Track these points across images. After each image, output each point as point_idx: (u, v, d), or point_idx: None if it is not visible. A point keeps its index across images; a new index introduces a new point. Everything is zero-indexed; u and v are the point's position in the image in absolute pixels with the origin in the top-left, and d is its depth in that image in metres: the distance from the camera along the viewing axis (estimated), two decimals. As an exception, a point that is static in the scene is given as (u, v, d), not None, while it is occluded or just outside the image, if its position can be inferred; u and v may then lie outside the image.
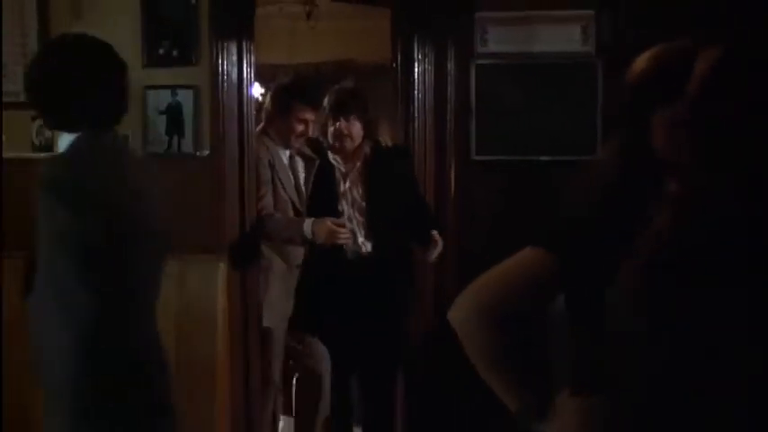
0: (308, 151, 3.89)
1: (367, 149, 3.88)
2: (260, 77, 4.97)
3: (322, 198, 3.74)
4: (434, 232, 3.71)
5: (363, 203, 3.78)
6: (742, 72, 1.25)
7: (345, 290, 3.76)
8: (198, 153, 3.46)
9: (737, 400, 1.24)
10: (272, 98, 3.79)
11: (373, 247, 3.77)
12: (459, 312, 1.50)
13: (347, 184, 3.82)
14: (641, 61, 1.54)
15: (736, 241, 1.19)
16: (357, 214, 3.80)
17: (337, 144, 3.77)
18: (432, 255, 3.72)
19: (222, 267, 3.36)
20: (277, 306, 3.66)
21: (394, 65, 4.24)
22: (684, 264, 1.21)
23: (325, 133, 3.82)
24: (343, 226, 3.60)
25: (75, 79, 2.15)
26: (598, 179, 1.44)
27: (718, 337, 1.18)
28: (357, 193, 3.81)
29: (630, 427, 1.36)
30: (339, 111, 3.74)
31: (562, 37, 4.12)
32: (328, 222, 3.55)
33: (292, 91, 3.80)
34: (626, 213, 1.29)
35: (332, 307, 3.79)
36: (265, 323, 3.60)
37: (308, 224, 3.56)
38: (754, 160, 1.23)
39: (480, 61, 4.13)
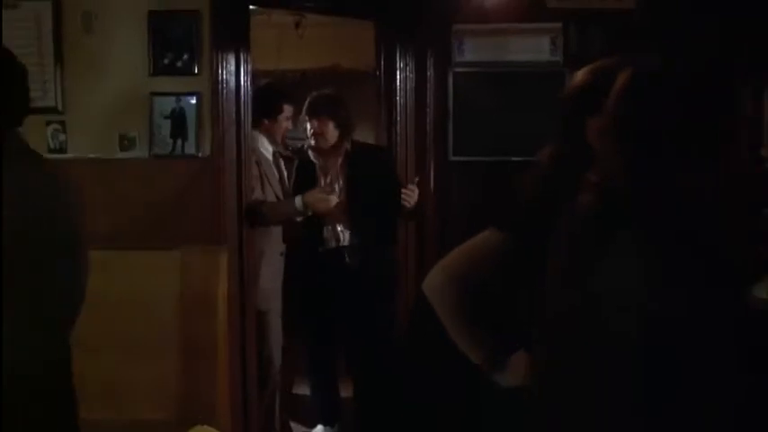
0: (288, 151, 4.29)
1: (347, 147, 4.16)
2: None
3: (303, 191, 4.02)
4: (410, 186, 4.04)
5: (342, 195, 4.09)
6: (646, 91, 1.59)
7: (325, 277, 4.13)
8: (200, 154, 3.69)
9: (655, 341, 1.56)
10: (259, 100, 4.11)
11: (351, 236, 4.10)
12: (432, 282, 1.84)
13: (328, 179, 4.10)
14: (578, 75, 1.89)
15: (638, 218, 1.52)
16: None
17: (313, 142, 4.12)
18: (410, 200, 4.01)
19: (222, 256, 3.62)
20: (269, 290, 3.99)
21: (377, 72, 4.52)
22: (596, 232, 1.55)
23: (305, 132, 4.18)
24: (330, 192, 3.96)
25: None
26: (540, 172, 1.79)
27: (627, 294, 1.52)
28: (338, 186, 4.10)
29: (564, 375, 1.69)
30: (312, 112, 4.09)
31: (532, 47, 4.43)
32: (316, 192, 3.93)
33: (281, 93, 4.19)
34: (558, 198, 1.63)
35: (312, 293, 4.18)
36: (260, 307, 3.92)
37: (298, 199, 3.93)
38: (660, 163, 1.57)
39: (457, 69, 4.45)
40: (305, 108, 4.14)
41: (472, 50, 4.45)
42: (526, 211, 1.75)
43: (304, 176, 4.19)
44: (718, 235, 1.52)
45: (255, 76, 4.05)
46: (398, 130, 4.40)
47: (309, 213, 3.95)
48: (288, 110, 4.20)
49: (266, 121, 4.13)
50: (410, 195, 4.01)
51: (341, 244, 4.13)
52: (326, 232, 4.13)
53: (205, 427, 3.28)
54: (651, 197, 1.51)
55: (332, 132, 4.11)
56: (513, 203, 1.80)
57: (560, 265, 1.61)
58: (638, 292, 1.48)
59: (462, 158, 4.44)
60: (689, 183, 1.52)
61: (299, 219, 4.02)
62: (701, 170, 1.54)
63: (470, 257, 1.80)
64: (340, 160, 4.17)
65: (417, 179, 4.12)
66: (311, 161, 4.20)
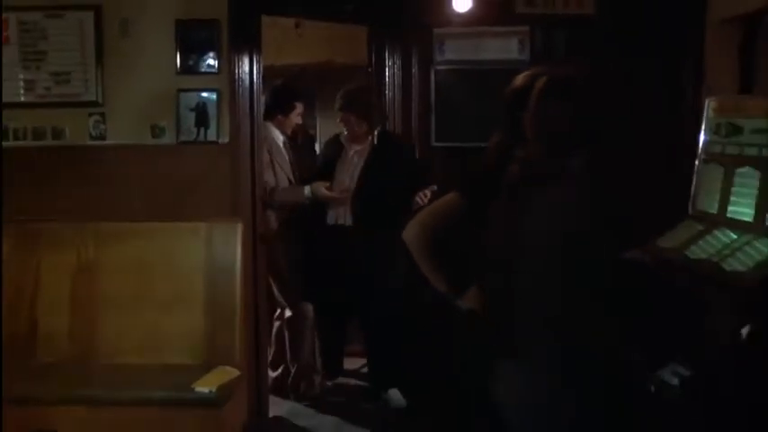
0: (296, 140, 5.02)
1: (375, 134, 4.73)
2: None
3: (330, 167, 4.74)
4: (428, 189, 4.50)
5: (355, 182, 4.66)
6: (552, 94, 2.24)
7: (329, 251, 4.72)
8: (219, 141, 4.25)
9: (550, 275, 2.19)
10: (275, 97, 4.77)
11: (354, 219, 4.66)
12: (408, 232, 2.50)
13: (355, 159, 4.72)
14: (517, 79, 2.53)
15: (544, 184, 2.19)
16: (353, 182, 4.67)
17: (345, 130, 4.76)
18: (422, 201, 4.42)
19: (239, 228, 4.18)
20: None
21: (369, 69, 5.14)
22: (519, 194, 2.22)
23: None
24: (335, 191, 4.62)
25: None
26: (488, 151, 2.45)
27: (538, 236, 2.18)
28: (359, 168, 4.69)
29: (498, 301, 2.34)
30: (339, 107, 4.71)
31: (503, 48, 4.98)
32: (323, 187, 4.59)
33: (294, 92, 4.86)
34: (500, 172, 2.30)
35: (317, 264, 4.76)
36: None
37: (307, 189, 4.63)
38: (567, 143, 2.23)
39: (438, 67, 5.01)
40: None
41: (451, 51, 5.01)
42: (477, 181, 2.42)
43: (333, 154, 4.83)
44: (588, 198, 2.18)
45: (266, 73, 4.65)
46: (388, 120, 4.98)
47: (316, 199, 4.64)
48: (299, 107, 4.90)
49: (280, 116, 4.82)
50: (423, 198, 4.45)
51: (344, 224, 4.70)
52: (330, 213, 4.72)
53: (226, 367, 3.90)
54: (551, 171, 2.17)
55: (356, 122, 4.68)
56: (468, 175, 2.48)
57: (496, 219, 2.28)
58: (544, 234, 2.15)
59: (443, 144, 4.99)
60: (572, 162, 2.19)
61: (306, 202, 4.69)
62: (579, 156, 2.21)
63: (437, 214, 2.48)
64: (367, 146, 4.73)
65: (435, 187, 4.49)
66: (341, 142, 4.82)
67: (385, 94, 5.02)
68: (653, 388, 2.23)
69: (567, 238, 2.11)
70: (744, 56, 4.51)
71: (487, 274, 2.35)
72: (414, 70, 5.01)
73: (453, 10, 4.78)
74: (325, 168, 4.85)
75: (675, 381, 2.17)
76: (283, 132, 4.87)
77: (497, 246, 2.28)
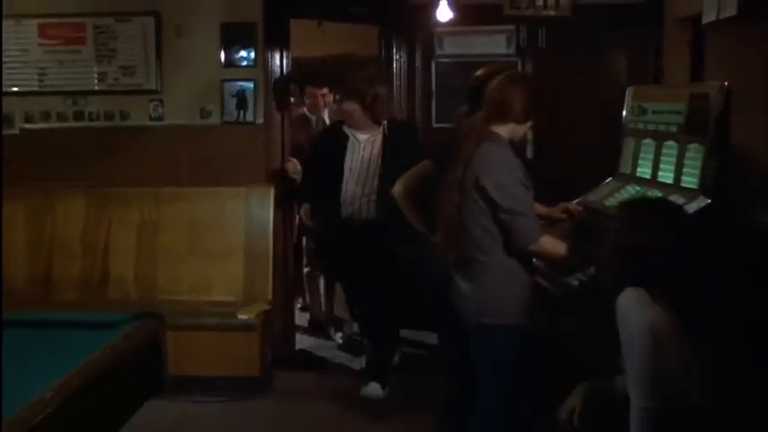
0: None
1: (385, 124, 4.71)
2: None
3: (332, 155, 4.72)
4: None
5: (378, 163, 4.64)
6: (498, 86, 3.14)
7: (345, 233, 4.75)
8: (255, 121, 5.09)
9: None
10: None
11: (378, 207, 4.57)
12: (395, 189, 3.46)
13: (367, 148, 4.65)
14: (480, 71, 3.44)
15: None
16: (370, 173, 4.64)
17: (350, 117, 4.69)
18: None
19: (271, 192, 5.06)
20: None
21: (379, 60, 5.91)
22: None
23: None
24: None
25: None
26: (454, 126, 3.37)
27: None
28: (374, 158, 4.64)
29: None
30: (343, 95, 4.81)
31: (493, 43, 5.84)
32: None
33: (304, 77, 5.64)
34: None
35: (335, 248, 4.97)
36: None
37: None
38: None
39: (439, 60, 5.87)
40: None
41: (449, 45, 5.85)
42: (443, 149, 3.34)
43: (335, 142, 4.73)
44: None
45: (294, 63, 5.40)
46: (395, 104, 5.70)
47: None
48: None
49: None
50: None
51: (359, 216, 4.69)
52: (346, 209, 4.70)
53: (260, 303, 4.85)
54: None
55: (361, 112, 4.62)
56: (437, 144, 3.43)
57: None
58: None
59: (442, 125, 5.75)
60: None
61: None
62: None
63: (416, 175, 3.45)
64: (371, 136, 4.68)
65: None
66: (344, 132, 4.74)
67: (393, 83, 5.80)
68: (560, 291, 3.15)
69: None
70: (693, 51, 5.24)
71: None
72: (417, 62, 5.85)
73: (453, 14, 5.47)
74: (324, 157, 4.78)
75: (576, 283, 3.07)
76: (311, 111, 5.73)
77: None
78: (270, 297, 4.98)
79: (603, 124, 4.85)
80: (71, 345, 2.51)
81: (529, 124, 3.19)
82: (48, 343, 2.64)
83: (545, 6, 5.62)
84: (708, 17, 3.88)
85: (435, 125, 5.91)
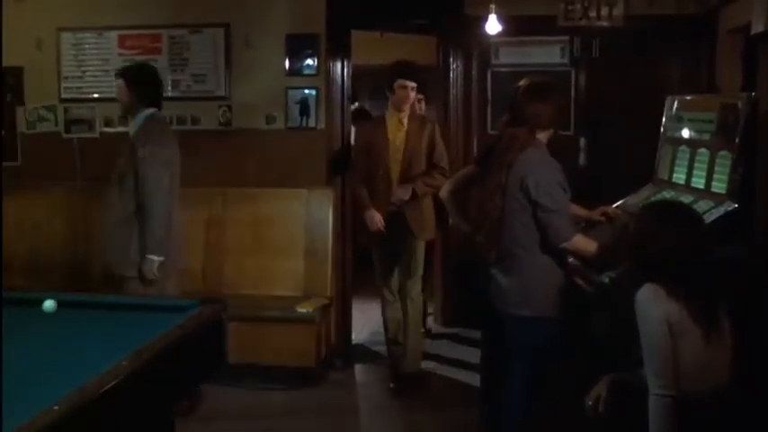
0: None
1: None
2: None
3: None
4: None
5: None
6: (523, 93, 3.37)
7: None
8: (317, 127, 5.37)
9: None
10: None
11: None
12: (442, 191, 3.71)
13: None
14: (519, 84, 3.67)
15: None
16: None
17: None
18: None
19: (331, 194, 5.35)
20: None
21: (438, 68, 6.20)
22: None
23: None
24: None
25: None
26: (498, 131, 3.60)
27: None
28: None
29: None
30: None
31: (547, 53, 5.99)
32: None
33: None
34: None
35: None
36: None
37: None
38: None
39: (494, 69, 6.07)
40: None
41: (505, 55, 6.05)
42: (485, 153, 3.59)
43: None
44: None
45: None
46: (451, 110, 6.06)
47: None
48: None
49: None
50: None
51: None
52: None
53: (319, 298, 5.14)
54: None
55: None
56: (481, 149, 3.67)
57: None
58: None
59: (497, 132, 5.97)
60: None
61: None
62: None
63: (461, 178, 3.69)
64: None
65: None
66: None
67: (450, 91, 6.07)
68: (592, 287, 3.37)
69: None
70: (746, 62, 5.33)
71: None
72: (473, 72, 6.08)
73: (507, 25, 5.69)
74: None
75: (606, 279, 3.28)
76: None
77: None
78: (329, 293, 5.28)
79: (655, 133, 5.05)
80: (143, 325, 2.83)
81: (551, 130, 3.46)
82: (124, 325, 2.96)
83: (598, 17, 5.79)
84: (756, 28, 4.01)
85: (490, 132, 6.07)
